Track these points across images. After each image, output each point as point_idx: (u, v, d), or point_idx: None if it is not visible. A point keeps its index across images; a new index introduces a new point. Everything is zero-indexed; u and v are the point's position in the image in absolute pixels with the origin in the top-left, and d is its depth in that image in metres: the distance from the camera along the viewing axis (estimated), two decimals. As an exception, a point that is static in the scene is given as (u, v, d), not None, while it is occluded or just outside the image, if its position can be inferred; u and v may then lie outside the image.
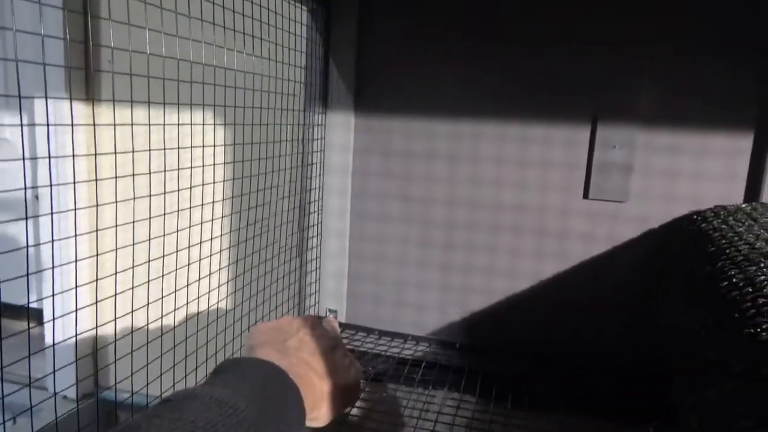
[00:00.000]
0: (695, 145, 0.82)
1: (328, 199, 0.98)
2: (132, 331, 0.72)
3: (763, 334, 0.48)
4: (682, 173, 0.83)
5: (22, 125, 0.55)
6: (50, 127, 1.13)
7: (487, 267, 0.93)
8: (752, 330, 0.49)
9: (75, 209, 0.66)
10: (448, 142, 0.92)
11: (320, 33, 0.92)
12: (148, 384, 0.73)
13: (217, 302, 0.92)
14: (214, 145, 0.90)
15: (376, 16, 0.92)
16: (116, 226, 0.70)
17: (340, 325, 0.99)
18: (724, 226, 0.73)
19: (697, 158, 0.82)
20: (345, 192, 0.97)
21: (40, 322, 1.38)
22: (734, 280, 0.59)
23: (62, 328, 0.70)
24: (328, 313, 1.01)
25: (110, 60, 0.62)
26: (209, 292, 0.90)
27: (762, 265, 0.60)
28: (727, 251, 0.66)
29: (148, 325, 0.76)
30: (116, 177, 0.70)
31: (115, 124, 0.66)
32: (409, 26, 0.91)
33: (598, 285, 0.87)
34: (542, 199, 0.89)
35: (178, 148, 0.78)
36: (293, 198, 0.98)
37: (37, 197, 1.37)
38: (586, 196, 0.87)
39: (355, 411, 0.72)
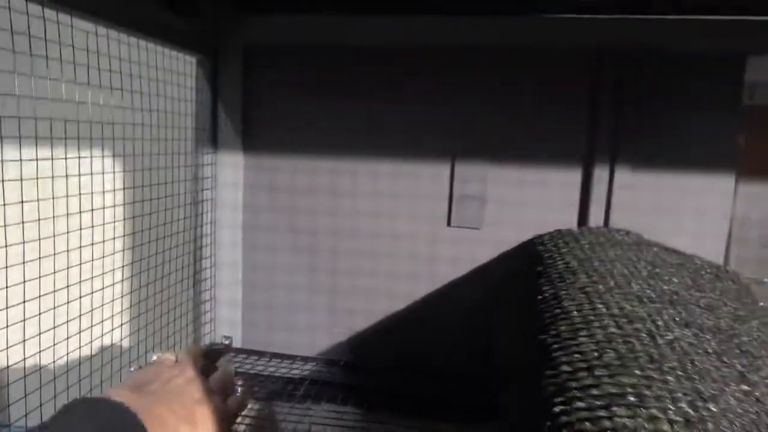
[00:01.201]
0: (537, 178, 0.96)
1: (220, 232, 1.05)
2: (24, 368, 0.76)
3: (549, 339, 0.60)
4: (528, 202, 0.97)
5: None
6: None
7: (370, 289, 1.02)
8: (542, 337, 0.61)
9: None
10: (329, 177, 1.01)
11: (208, 81, 1.00)
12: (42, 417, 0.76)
13: (111, 331, 0.96)
14: (103, 191, 0.95)
15: (260, 65, 1.01)
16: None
17: (235, 350, 1.05)
18: (553, 247, 0.87)
19: (540, 189, 0.96)
20: (236, 225, 1.04)
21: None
22: (546, 295, 0.71)
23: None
24: (223, 341, 1.06)
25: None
26: (102, 321, 0.94)
27: (568, 280, 0.73)
28: (548, 269, 0.79)
29: (39, 358, 0.79)
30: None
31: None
32: (291, 73, 1.01)
33: (460, 304, 0.99)
34: (413, 227, 1.00)
35: (67, 179, 0.83)
36: (187, 233, 1.04)
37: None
38: (449, 224, 0.99)
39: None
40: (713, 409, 0.45)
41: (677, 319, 0.62)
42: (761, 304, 0.76)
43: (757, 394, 0.51)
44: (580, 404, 0.47)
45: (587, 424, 0.44)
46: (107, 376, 0.93)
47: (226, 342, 1.06)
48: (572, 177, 0.96)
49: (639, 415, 0.44)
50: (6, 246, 0.73)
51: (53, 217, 0.81)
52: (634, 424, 0.43)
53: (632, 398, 0.46)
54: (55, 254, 0.82)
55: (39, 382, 0.78)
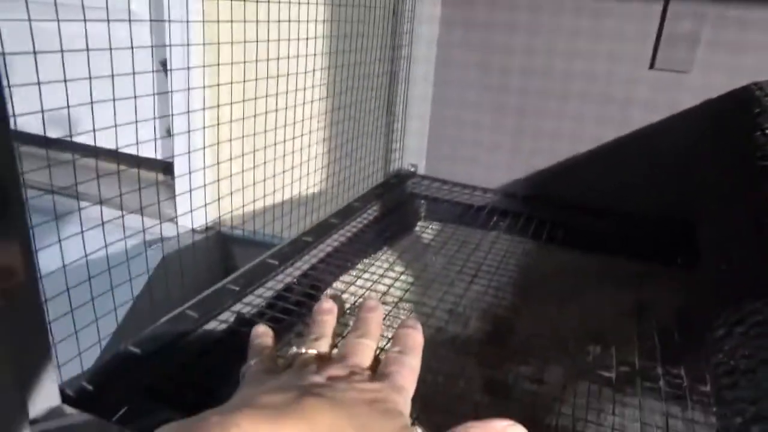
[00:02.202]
0: (763, 17, 0.87)
1: (414, 66, 1.11)
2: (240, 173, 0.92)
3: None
4: (747, 46, 0.89)
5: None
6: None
7: (554, 131, 1.04)
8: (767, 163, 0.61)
9: (203, 87, 0.84)
10: (528, 13, 1.00)
11: None
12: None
13: (315, 153, 1.10)
14: (308, 21, 1.04)
15: None
16: (231, 103, 0.88)
17: (421, 177, 1.15)
18: (775, 92, 0.81)
19: (763, 31, 0.87)
20: (430, 60, 1.09)
21: (172, 174, 1.65)
22: (767, 130, 0.69)
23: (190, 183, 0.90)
24: (410, 167, 1.17)
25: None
26: (309, 146, 1.08)
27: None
28: (769, 111, 0.74)
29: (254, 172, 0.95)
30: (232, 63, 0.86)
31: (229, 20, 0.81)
32: None
33: (654, 150, 0.98)
34: (611, 67, 0.97)
35: (278, 21, 0.93)
36: (385, 64, 1.11)
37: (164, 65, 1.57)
38: (652, 66, 0.95)
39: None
40: None
41: None
42: None
43: None
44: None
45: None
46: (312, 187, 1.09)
47: (412, 169, 1.17)
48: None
49: None
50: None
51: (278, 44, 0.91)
52: None
53: None
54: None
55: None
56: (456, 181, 1.13)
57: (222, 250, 1.56)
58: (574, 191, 1.04)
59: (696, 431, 0.47)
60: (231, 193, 0.97)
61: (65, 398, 0.42)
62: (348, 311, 0.69)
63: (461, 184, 1.12)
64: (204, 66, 0.99)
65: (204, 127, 1.12)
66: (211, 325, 0.58)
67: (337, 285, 0.75)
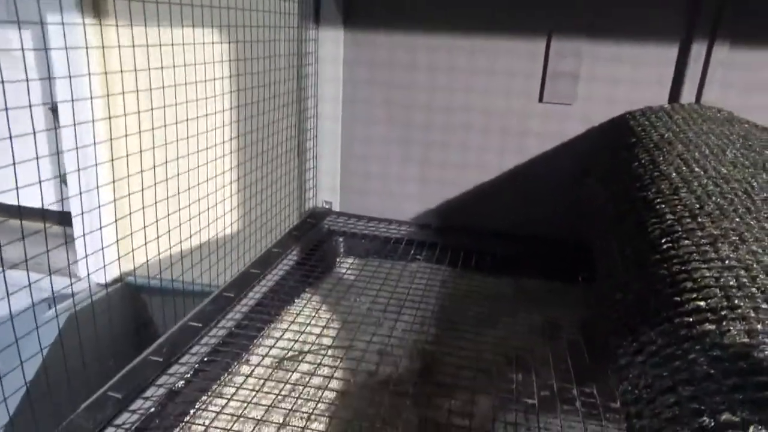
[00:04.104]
0: (632, 54, 0.98)
1: (321, 105, 1.13)
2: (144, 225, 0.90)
3: (650, 195, 0.67)
4: (620, 80, 1.00)
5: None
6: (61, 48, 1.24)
7: (460, 162, 1.10)
8: (643, 194, 0.68)
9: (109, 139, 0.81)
10: (427, 53, 1.06)
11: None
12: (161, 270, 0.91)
13: (227, 195, 1.09)
14: (213, 62, 1.03)
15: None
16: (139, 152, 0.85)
17: (336, 214, 1.17)
18: (646, 122, 0.91)
19: (633, 67, 0.98)
20: (337, 99, 1.12)
21: (69, 222, 1.54)
22: (643, 161, 0.78)
23: (89, 224, 0.86)
24: (324, 205, 1.18)
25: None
26: (223, 188, 1.07)
27: (665, 149, 0.79)
28: (643, 140, 0.84)
29: (167, 217, 0.93)
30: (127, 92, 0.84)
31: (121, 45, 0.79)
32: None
33: (549, 176, 1.06)
34: (506, 103, 1.05)
35: (184, 65, 0.92)
36: (292, 106, 1.12)
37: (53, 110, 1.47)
38: (541, 99, 1.03)
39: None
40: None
41: (773, 181, 0.67)
42: None
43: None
44: (686, 242, 0.55)
45: (695, 256, 0.53)
46: (227, 234, 1.08)
47: (327, 206, 1.18)
48: (668, 54, 0.97)
49: (741, 250, 0.52)
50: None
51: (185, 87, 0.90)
52: (738, 256, 0.51)
53: (734, 238, 0.54)
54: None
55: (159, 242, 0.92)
56: (371, 216, 1.16)
57: (132, 304, 1.47)
58: (483, 218, 1.11)
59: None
60: (131, 239, 0.93)
61: None
62: (279, 365, 0.69)
63: (377, 219, 1.15)
64: (109, 117, 0.95)
65: (112, 182, 1.07)
66: (137, 404, 0.56)
67: (266, 342, 0.74)
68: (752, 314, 0.44)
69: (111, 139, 0.98)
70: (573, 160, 1.04)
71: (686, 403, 0.38)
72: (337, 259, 1.10)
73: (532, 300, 0.91)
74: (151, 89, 0.90)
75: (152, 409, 0.57)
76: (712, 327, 0.44)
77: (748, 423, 0.34)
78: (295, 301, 0.87)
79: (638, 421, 0.41)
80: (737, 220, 0.58)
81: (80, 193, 1.08)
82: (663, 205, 0.64)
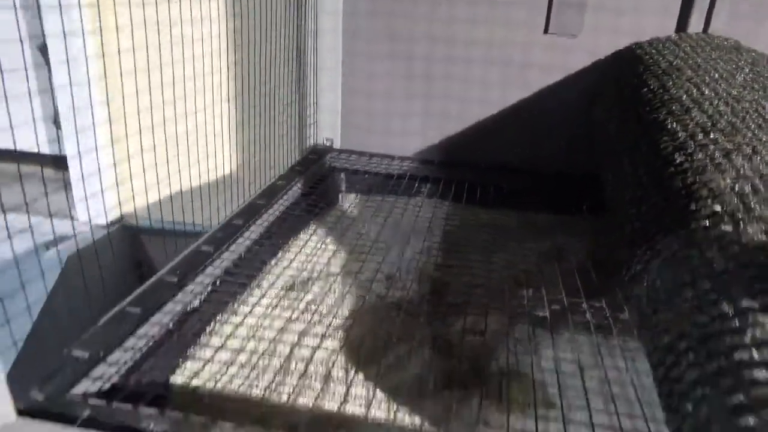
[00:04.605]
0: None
1: (321, 39, 1.10)
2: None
3: (662, 116, 0.67)
4: (626, 10, 0.98)
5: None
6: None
7: (462, 96, 1.09)
8: (655, 115, 0.68)
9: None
10: (430, -17, 1.03)
11: None
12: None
13: (225, 135, 1.07)
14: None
15: None
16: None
17: (338, 151, 1.16)
18: (653, 51, 0.90)
19: (640, -5, 0.97)
20: (336, 31, 1.09)
21: (63, 167, 1.52)
22: (652, 86, 0.77)
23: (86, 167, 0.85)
24: (325, 142, 1.17)
25: None
26: (221, 126, 1.05)
27: (674, 75, 0.78)
28: (651, 68, 0.84)
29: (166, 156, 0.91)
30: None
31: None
32: None
33: (553, 110, 1.06)
34: (509, 34, 1.03)
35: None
36: (292, 39, 1.09)
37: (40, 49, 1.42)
38: (546, 31, 1.02)
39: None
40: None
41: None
42: None
43: None
44: (700, 155, 0.56)
45: (710, 167, 0.53)
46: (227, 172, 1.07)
47: (328, 143, 1.17)
48: (676, -18, 0.96)
49: (755, 161, 0.53)
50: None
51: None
52: (752, 166, 0.52)
53: (748, 150, 0.54)
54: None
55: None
56: (373, 152, 1.15)
57: (131, 245, 1.47)
58: (487, 153, 1.10)
59: (621, 354, 0.54)
60: (131, 180, 0.93)
61: (20, 412, 0.40)
62: (292, 287, 0.70)
63: (379, 155, 1.14)
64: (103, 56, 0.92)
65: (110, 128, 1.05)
66: (156, 318, 0.56)
67: (275, 270, 0.75)
68: (768, 216, 0.45)
69: (105, 77, 0.96)
70: (579, 93, 1.03)
71: (704, 295, 0.40)
72: (340, 195, 1.10)
73: (538, 230, 0.92)
74: (146, 24, 0.87)
75: (170, 325, 0.58)
76: (729, 228, 0.44)
77: (766, 305, 0.36)
78: (301, 231, 0.87)
79: (655, 316, 0.43)
80: (750, 135, 0.58)
81: (76, 132, 1.06)
82: (675, 124, 0.64)
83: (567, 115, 1.05)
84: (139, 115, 0.92)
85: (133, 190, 0.96)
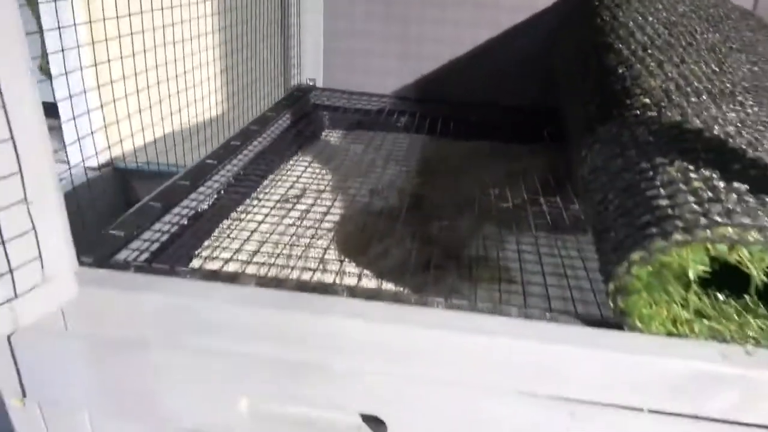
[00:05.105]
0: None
1: (303, -20, 1.17)
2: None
3: (610, 40, 0.77)
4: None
5: None
6: None
7: (436, 37, 1.17)
8: (604, 39, 0.78)
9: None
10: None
11: None
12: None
13: (210, 75, 1.13)
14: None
15: None
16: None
17: (321, 89, 1.23)
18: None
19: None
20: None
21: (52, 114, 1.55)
22: (604, 17, 0.87)
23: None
24: (308, 82, 1.24)
25: None
26: (207, 66, 1.11)
27: (624, 7, 0.88)
28: (605, 1, 0.93)
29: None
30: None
31: None
32: None
33: (520, 48, 1.15)
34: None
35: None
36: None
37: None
38: (513, -28, 1.10)
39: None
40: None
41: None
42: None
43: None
44: (638, 66, 0.66)
45: (644, 73, 0.63)
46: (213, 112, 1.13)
47: (311, 83, 1.24)
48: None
49: (681, 67, 0.63)
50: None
51: None
52: (679, 72, 0.62)
53: (677, 60, 0.65)
54: None
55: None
56: (353, 90, 1.23)
57: (122, 187, 1.53)
58: (459, 89, 1.19)
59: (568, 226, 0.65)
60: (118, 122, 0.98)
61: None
62: (286, 200, 0.79)
63: (358, 93, 1.22)
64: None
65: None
66: (176, 210, 0.65)
67: (271, 185, 0.84)
68: (685, 104, 0.55)
69: (90, 21, 1.00)
70: (544, 32, 1.12)
71: (630, 159, 0.50)
72: (324, 132, 1.18)
73: (507, 156, 1.02)
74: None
75: (184, 221, 0.66)
76: (654, 114, 0.55)
77: (673, 161, 0.46)
78: (290, 157, 0.96)
79: (593, 183, 0.53)
80: (680, 50, 0.68)
81: (66, 74, 1.10)
82: (620, 44, 0.74)
83: (533, 53, 1.14)
84: (122, 60, 0.97)
85: (119, 129, 1.01)
